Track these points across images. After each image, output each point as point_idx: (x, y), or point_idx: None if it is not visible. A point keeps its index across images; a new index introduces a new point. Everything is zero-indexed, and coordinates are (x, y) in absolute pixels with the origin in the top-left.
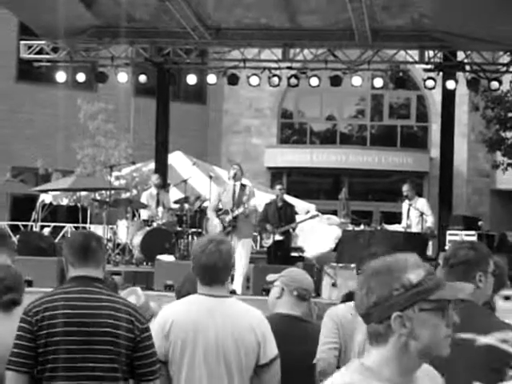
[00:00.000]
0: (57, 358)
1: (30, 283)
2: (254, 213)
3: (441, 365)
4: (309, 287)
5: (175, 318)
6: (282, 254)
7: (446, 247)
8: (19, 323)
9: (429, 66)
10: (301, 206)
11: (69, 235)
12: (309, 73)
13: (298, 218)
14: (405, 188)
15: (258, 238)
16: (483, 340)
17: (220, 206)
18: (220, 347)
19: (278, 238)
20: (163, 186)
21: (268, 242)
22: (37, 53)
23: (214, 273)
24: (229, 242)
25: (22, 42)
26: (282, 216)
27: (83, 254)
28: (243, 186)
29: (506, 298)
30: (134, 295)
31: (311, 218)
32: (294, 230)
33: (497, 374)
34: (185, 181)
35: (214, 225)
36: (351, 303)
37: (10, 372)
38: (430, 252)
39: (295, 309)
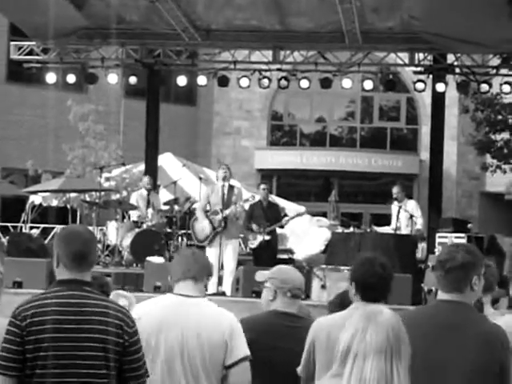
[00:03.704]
0: (46, 364)
1: (19, 284)
2: (242, 213)
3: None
4: (301, 285)
5: (142, 316)
6: (269, 255)
7: (436, 250)
8: (7, 326)
9: (419, 69)
10: (291, 207)
11: (64, 230)
12: (299, 75)
13: (285, 218)
14: (395, 190)
15: (244, 239)
16: None
17: (208, 207)
18: (184, 346)
19: (265, 238)
20: (154, 188)
21: (254, 243)
22: (27, 54)
23: (186, 266)
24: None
25: (13, 43)
26: (268, 215)
27: (80, 257)
28: (231, 187)
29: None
30: (123, 298)
31: (298, 215)
32: (282, 227)
33: None
34: (175, 182)
35: (203, 225)
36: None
37: None
38: (419, 254)
39: (290, 307)
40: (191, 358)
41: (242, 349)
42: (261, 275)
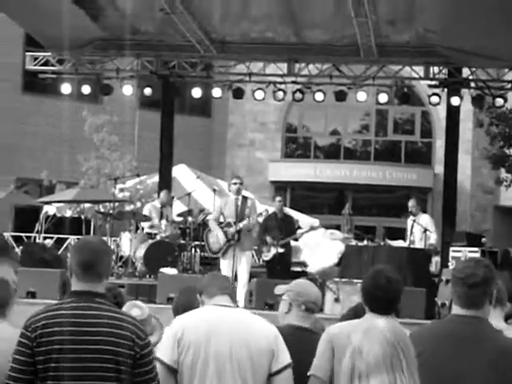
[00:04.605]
0: (57, 376)
1: (33, 294)
2: (255, 226)
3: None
4: (316, 300)
5: (188, 325)
6: (283, 268)
7: (450, 263)
8: (19, 337)
9: (434, 82)
10: (304, 220)
11: (78, 241)
12: (314, 87)
13: (299, 231)
14: (410, 203)
15: (258, 251)
16: None
17: (221, 219)
18: (233, 353)
19: (279, 250)
20: (170, 202)
21: (268, 256)
22: (42, 64)
23: (222, 284)
24: None
25: (28, 54)
26: (283, 228)
27: (87, 268)
28: (245, 199)
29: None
30: (136, 308)
31: (312, 229)
32: (296, 240)
33: None
34: (188, 194)
35: (216, 236)
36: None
37: None
38: (433, 268)
39: (304, 321)
40: (241, 367)
41: (286, 356)
42: (280, 289)
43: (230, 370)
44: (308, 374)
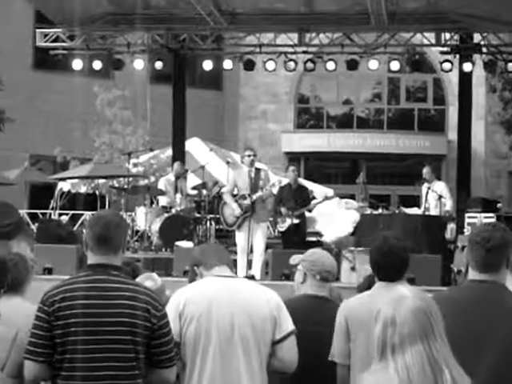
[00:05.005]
0: (75, 349)
1: (50, 271)
2: (270, 197)
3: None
4: (331, 269)
5: (188, 297)
6: (298, 239)
7: (465, 230)
8: (36, 312)
9: (445, 49)
10: (319, 190)
11: (93, 215)
12: (325, 57)
13: (314, 201)
14: (425, 171)
15: (273, 222)
16: None
17: (235, 191)
18: (235, 323)
19: (294, 221)
20: (184, 174)
21: (284, 227)
22: (53, 41)
23: (220, 254)
24: None
25: (38, 30)
26: (297, 199)
27: (102, 241)
28: (258, 171)
29: None
30: (150, 280)
31: (326, 199)
32: (310, 211)
33: None
34: (202, 167)
35: (232, 209)
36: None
37: (28, 361)
38: (448, 235)
39: (320, 290)
40: (242, 334)
41: (289, 323)
42: (294, 258)
43: (232, 340)
44: (331, 359)
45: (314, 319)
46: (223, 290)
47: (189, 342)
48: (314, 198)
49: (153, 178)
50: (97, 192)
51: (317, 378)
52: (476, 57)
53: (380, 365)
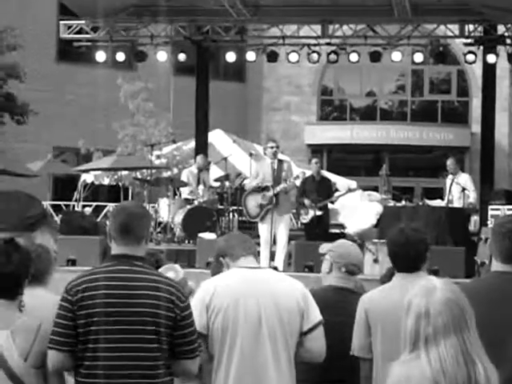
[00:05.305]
0: (98, 338)
1: (73, 262)
2: (293, 189)
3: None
4: (358, 262)
5: (215, 289)
6: (321, 230)
7: (489, 222)
8: (60, 301)
9: (469, 40)
10: (342, 182)
11: (116, 206)
12: (348, 49)
13: (336, 193)
14: (449, 163)
15: (296, 214)
16: None
17: (259, 183)
18: (263, 315)
19: (317, 213)
20: (207, 167)
21: (306, 218)
22: (76, 33)
23: (245, 244)
24: None
25: (62, 22)
26: (320, 191)
27: (125, 231)
28: (281, 162)
29: None
30: (172, 271)
31: (350, 191)
32: (333, 203)
33: None
34: (225, 159)
35: (255, 201)
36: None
37: (51, 351)
38: (472, 227)
39: (345, 282)
40: (270, 325)
41: (317, 314)
42: (323, 247)
43: (260, 332)
44: (352, 353)
45: (338, 311)
46: (250, 282)
47: (216, 334)
48: (336, 190)
49: (176, 170)
50: (120, 184)
51: (342, 369)
52: (500, 48)
53: (410, 356)
